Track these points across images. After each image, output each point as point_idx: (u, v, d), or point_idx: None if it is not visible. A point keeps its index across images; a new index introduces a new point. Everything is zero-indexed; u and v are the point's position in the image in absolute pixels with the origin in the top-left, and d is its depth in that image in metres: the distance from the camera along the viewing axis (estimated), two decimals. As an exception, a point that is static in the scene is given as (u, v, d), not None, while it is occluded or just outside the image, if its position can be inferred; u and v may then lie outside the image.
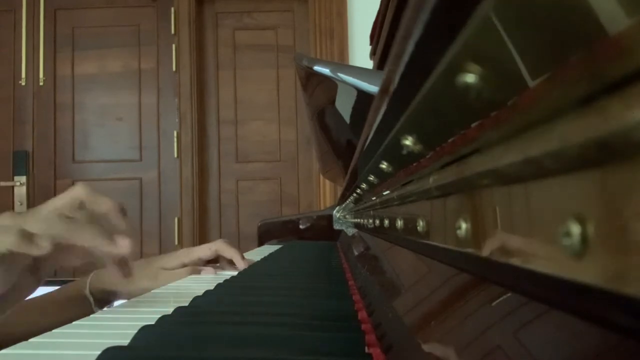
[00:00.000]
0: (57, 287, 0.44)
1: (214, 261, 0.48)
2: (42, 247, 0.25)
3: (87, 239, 0.26)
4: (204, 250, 0.47)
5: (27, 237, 0.25)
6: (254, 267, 0.48)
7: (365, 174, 0.28)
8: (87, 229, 0.26)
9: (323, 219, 0.84)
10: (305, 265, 0.49)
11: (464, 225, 0.12)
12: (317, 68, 0.44)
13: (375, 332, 0.19)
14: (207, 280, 0.41)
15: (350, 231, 0.74)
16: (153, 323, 0.20)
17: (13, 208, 1.46)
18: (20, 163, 1.48)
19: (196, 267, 0.45)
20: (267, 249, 0.73)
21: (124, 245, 0.26)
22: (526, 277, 0.09)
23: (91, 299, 0.41)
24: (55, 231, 0.25)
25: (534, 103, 0.08)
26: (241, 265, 0.47)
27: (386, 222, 0.27)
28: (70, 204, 0.27)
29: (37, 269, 0.28)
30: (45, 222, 0.25)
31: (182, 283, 0.41)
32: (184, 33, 1.47)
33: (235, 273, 0.43)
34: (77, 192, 0.27)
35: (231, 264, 0.48)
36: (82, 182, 0.29)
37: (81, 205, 0.27)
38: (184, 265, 0.46)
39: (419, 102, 0.13)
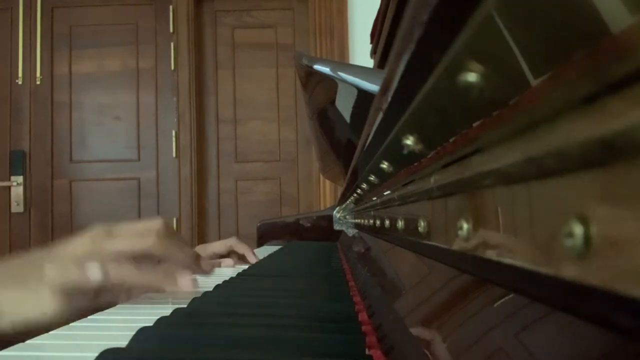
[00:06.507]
0: None
1: (226, 256, 0.53)
2: (95, 278, 0.26)
3: (149, 281, 0.28)
4: (219, 246, 0.52)
5: (83, 268, 0.26)
6: (253, 268, 0.48)
7: (366, 174, 0.28)
8: (150, 273, 0.28)
9: (323, 219, 0.83)
10: (305, 266, 0.49)
11: (465, 226, 0.12)
12: (317, 67, 0.44)
13: (376, 333, 0.19)
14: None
15: (351, 232, 0.74)
16: (151, 324, 0.20)
17: (10, 208, 1.46)
18: (17, 163, 1.48)
19: (217, 261, 0.50)
20: (267, 250, 0.73)
21: (186, 285, 0.29)
22: (528, 278, 0.09)
23: None
24: (117, 269, 0.27)
25: (536, 102, 0.08)
26: (253, 260, 0.52)
27: (387, 222, 0.27)
28: (143, 251, 0.29)
29: (98, 297, 0.30)
30: (110, 258, 0.27)
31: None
32: (182, 32, 1.47)
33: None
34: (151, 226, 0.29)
35: (242, 259, 0.52)
36: (160, 224, 0.29)
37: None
38: None
39: (420, 101, 0.13)
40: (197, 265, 0.30)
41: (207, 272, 0.32)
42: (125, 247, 0.28)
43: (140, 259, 0.28)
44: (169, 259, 0.29)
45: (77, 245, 0.28)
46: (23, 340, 0.20)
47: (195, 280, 0.29)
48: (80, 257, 0.27)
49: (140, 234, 0.29)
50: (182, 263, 0.29)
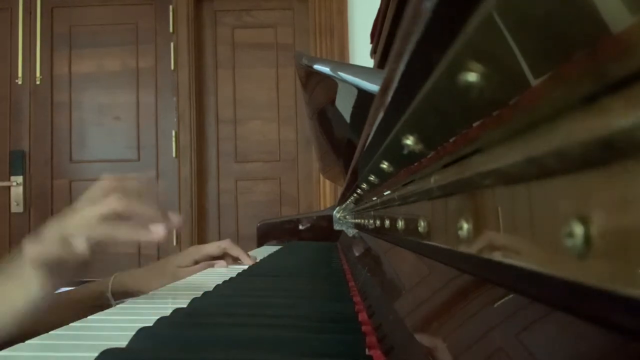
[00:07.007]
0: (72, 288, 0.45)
1: (220, 258, 0.52)
2: (81, 249, 0.28)
3: (126, 234, 0.29)
4: (213, 248, 0.52)
5: (67, 243, 0.28)
6: (253, 268, 0.48)
7: (366, 174, 0.28)
8: (123, 227, 0.29)
9: (323, 219, 0.83)
10: (305, 267, 0.49)
11: (465, 226, 0.12)
12: (317, 67, 0.44)
13: (376, 334, 0.19)
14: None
15: (351, 232, 0.74)
16: (151, 324, 0.20)
17: (10, 208, 1.46)
18: (17, 163, 1.48)
19: (210, 262, 0.50)
20: (267, 250, 0.73)
21: (159, 232, 0.30)
22: (528, 278, 0.09)
23: (112, 301, 0.43)
24: (95, 233, 0.28)
25: (536, 102, 0.08)
26: (247, 262, 0.52)
27: (387, 222, 0.27)
28: (107, 214, 0.30)
29: (85, 267, 0.31)
30: (87, 226, 0.29)
31: (179, 284, 0.41)
32: (182, 31, 1.47)
33: (244, 266, 0.47)
34: (104, 186, 0.30)
35: (236, 260, 0.53)
36: (105, 177, 0.31)
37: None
38: (196, 262, 0.50)
39: (420, 101, 0.13)
40: (162, 215, 0.30)
41: (173, 225, 0.32)
42: (93, 213, 0.29)
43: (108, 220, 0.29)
44: (133, 214, 0.30)
45: (49, 228, 0.29)
46: (23, 340, 0.20)
47: (164, 230, 0.30)
48: (58, 234, 0.28)
49: (98, 198, 0.30)
50: (147, 216, 0.30)
